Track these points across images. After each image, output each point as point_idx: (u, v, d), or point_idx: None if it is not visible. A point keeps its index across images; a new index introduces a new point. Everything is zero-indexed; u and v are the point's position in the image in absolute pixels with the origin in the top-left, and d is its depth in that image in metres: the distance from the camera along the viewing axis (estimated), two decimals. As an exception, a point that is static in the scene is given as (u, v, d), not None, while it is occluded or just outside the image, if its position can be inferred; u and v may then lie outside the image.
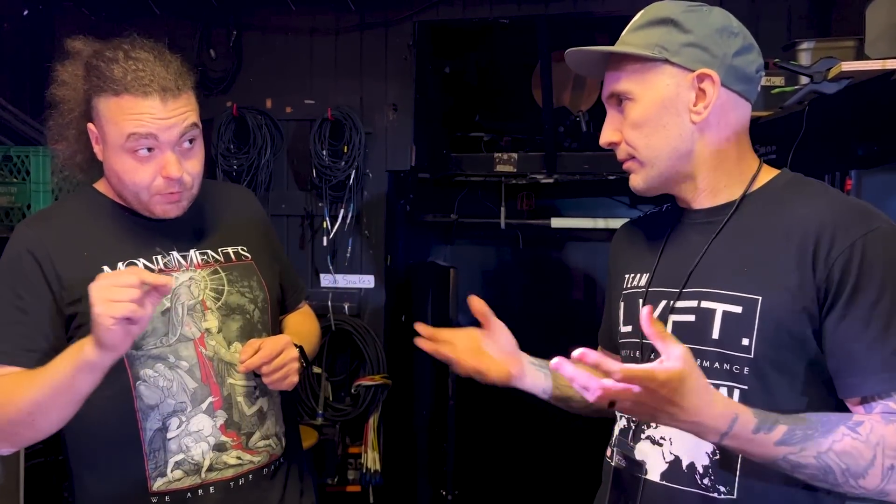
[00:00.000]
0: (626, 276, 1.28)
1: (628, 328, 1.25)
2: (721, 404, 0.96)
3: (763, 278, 1.08)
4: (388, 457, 3.01)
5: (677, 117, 1.13)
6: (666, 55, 1.11)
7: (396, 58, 2.97)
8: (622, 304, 1.28)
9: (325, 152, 2.93)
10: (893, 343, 1.01)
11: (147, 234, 1.39)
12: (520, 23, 2.89)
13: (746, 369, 1.07)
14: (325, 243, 3.00)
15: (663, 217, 1.29)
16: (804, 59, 1.92)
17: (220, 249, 1.45)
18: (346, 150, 2.91)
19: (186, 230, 1.42)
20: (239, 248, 1.47)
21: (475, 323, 1.28)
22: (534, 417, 3.13)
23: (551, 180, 3.30)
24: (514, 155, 3.29)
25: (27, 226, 1.38)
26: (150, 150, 1.30)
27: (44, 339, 1.29)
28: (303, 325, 1.60)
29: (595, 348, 1.41)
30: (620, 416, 1.23)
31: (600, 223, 3.40)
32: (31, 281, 1.30)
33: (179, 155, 1.32)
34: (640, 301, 1.22)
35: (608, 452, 1.26)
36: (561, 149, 3.23)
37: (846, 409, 1.06)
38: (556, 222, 3.45)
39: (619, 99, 1.17)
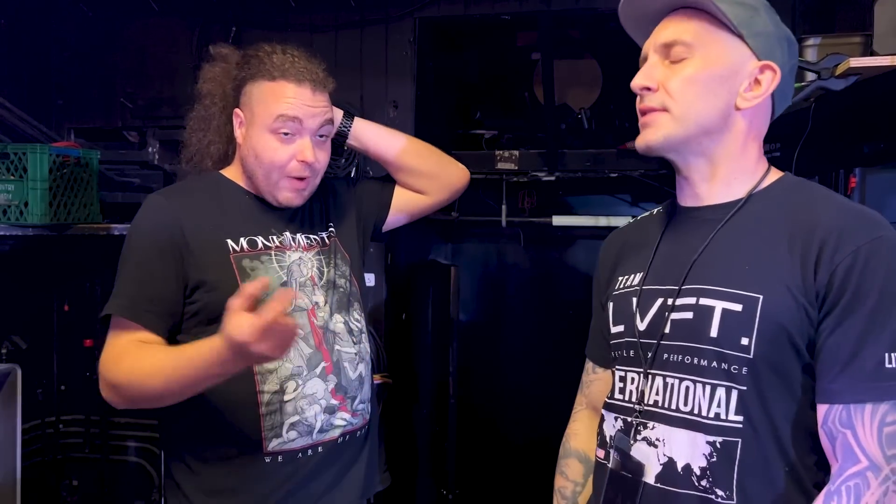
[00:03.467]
0: (620, 278, 1.27)
1: (619, 328, 1.23)
2: None
3: (765, 276, 1.06)
4: (388, 456, 2.98)
5: (727, 94, 1.13)
6: (744, 32, 1.12)
7: (397, 55, 2.94)
8: (611, 304, 1.27)
9: (325, 150, 2.91)
10: (881, 353, 1.00)
11: (265, 216, 1.55)
12: (522, 19, 2.86)
13: (745, 369, 1.05)
14: (325, 241, 2.98)
15: (655, 218, 1.29)
16: (810, 55, 1.89)
17: (318, 233, 1.61)
18: (346, 148, 2.89)
19: (295, 216, 1.59)
20: (330, 230, 1.64)
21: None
22: (535, 417, 3.11)
23: (553, 178, 3.27)
24: (516, 152, 3.27)
25: (160, 195, 1.49)
26: (290, 133, 1.46)
27: (163, 302, 1.39)
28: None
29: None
30: (616, 418, 1.21)
31: (602, 221, 3.37)
32: (159, 245, 1.40)
33: (314, 144, 1.48)
34: (634, 300, 1.20)
35: (600, 454, 1.24)
36: (563, 146, 3.20)
37: None
38: (558, 220, 3.42)
39: (669, 51, 1.15)
